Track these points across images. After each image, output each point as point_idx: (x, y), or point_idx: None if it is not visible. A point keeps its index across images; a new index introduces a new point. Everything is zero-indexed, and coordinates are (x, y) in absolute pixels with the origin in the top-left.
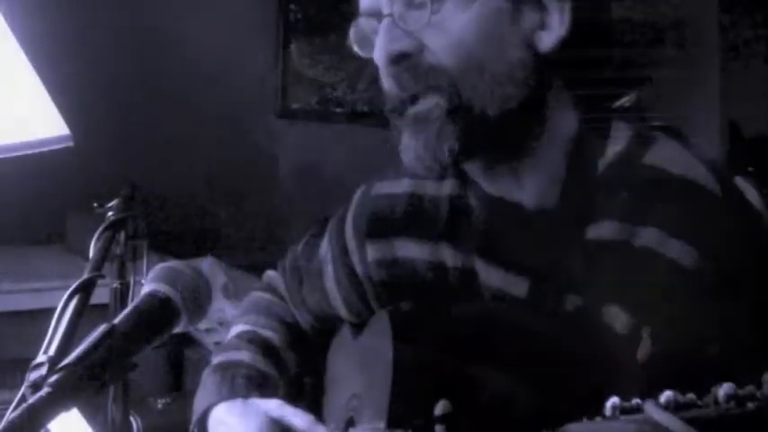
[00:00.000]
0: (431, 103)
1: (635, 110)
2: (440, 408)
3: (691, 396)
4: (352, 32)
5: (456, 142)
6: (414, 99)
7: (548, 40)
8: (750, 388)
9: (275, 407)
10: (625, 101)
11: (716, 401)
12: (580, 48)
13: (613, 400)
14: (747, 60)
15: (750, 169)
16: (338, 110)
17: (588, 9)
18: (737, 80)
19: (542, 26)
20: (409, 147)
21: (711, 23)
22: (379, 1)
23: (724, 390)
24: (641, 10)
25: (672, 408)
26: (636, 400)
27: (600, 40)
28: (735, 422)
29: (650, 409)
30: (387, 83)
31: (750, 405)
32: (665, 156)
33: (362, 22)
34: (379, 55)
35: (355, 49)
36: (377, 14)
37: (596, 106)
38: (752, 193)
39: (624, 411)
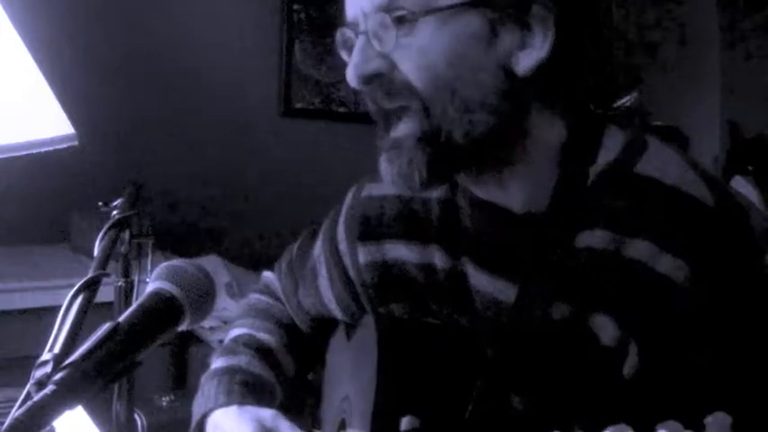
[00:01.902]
0: (405, 130)
1: (636, 110)
2: (405, 423)
3: None
4: (338, 37)
5: (424, 169)
6: (397, 114)
7: (526, 61)
8: None
9: (270, 417)
10: (626, 101)
11: None
12: (565, 66)
13: None
14: (747, 60)
15: (750, 168)
16: (341, 109)
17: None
18: (738, 80)
19: (522, 46)
20: (386, 171)
21: (711, 24)
22: (358, 16)
23: None
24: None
25: None
26: None
27: (589, 51)
28: None
29: None
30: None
31: None
32: (658, 165)
33: (347, 30)
34: (350, 74)
35: (341, 54)
36: (356, 27)
37: (582, 113)
38: (751, 193)
39: None
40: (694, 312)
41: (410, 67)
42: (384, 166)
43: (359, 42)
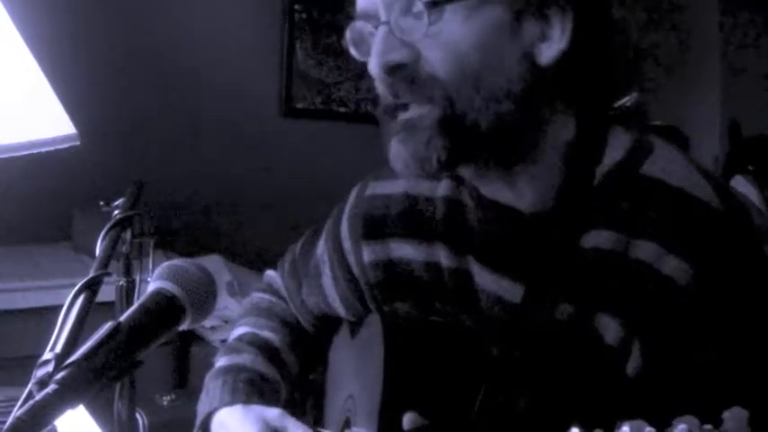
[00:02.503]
0: (422, 111)
1: (636, 110)
2: (408, 422)
3: (650, 430)
4: (347, 34)
5: (444, 152)
6: (406, 105)
7: (548, 52)
8: (707, 427)
9: (276, 416)
10: (626, 100)
11: None
12: (585, 59)
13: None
14: (747, 60)
15: (750, 168)
16: (342, 109)
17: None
18: (738, 80)
19: (543, 38)
20: (398, 153)
21: (712, 24)
22: (377, 5)
23: (679, 429)
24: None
25: None
26: (597, 430)
27: (603, 47)
28: None
29: None
30: (380, 88)
31: None
32: (664, 166)
33: (359, 25)
34: (374, 64)
35: (351, 51)
36: (373, 19)
37: (595, 111)
38: (752, 192)
39: None
40: (698, 313)
41: (437, 57)
42: (396, 148)
43: (380, 32)
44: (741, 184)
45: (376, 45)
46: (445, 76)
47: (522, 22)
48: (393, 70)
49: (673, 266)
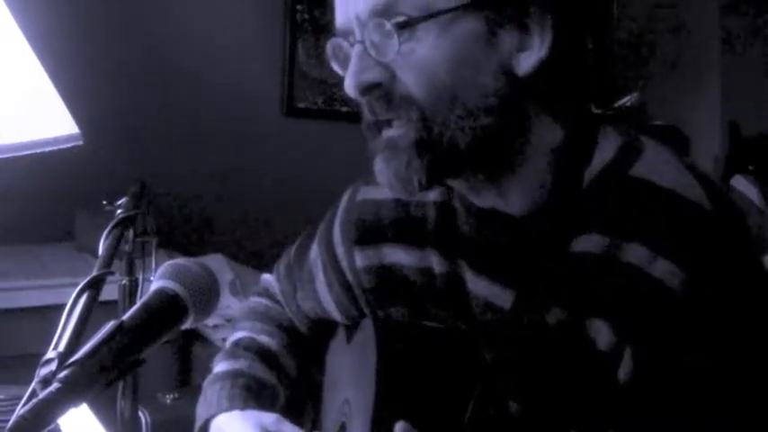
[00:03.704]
0: (401, 131)
1: (636, 110)
2: (399, 429)
3: None
4: (329, 49)
5: (424, 174)
6: (389, 121)
7: (527, 62)
8: None
9: (273, 421)
10: (627, 100)
11: None
12: (565, 67)
13: None
14: (747, 60)
15: (750, 168)
16: (344, 109)
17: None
18: (738, 80)
19: (522, 48)
20: (382, 172)
21: (712, 24)
22: (352, 23)
23: None
24: (642, 12)
25: None
26: None
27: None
28: None
29: None
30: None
31: None
32: (654, 167)
33: (338, 41)
34: (349, 83)
35: (333, 65)
36: (350, 35)
37: (581, 115)
38: (752, 192)
39: None
40: (689, 317)
41: (411, 77)
42: (380, 167)
43: (355, 51)
44: (741, 184)
45: (351, 64)
46: (419, 96)
47: (498, 33)
48: (368, 90)
49: (662, 269)
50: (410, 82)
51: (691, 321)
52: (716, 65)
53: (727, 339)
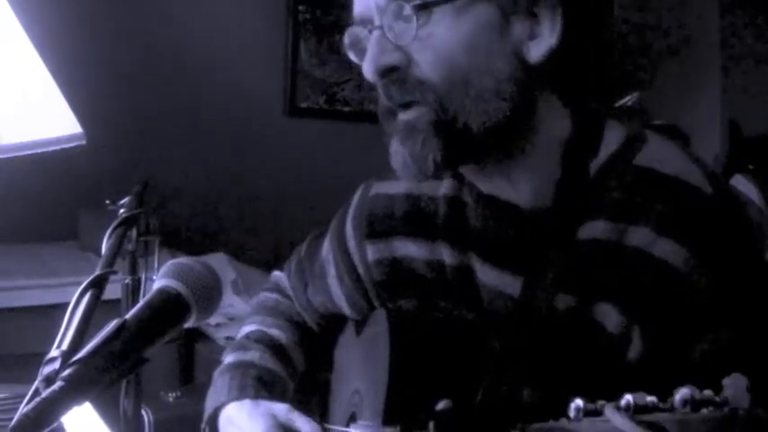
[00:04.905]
0: (418, 113)
1: (636, 109)
2: (441, 404)
3: (651, 399)
4: (346, 39)
5: (439, 153)
6: (407, 105)
7: (537, 50)
8: (708, 392)
9: (283, 411)
10: (627, 100)
11: (672, 406)
12: (574, 56)
13: (577, 403)
14: (747, 60)
15: (751, 167)
16: (346, 109)
17: (585, 18)
18: (738, 80)
19: (532, 36)
20: (398, 153)
21: (712, 24)
22: (371, 10)
23: (681, 395)
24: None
25: (631, 410)
26: (600, 402)
27: (595, 46)
28: (692, 426)
29: (609, 412)
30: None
31: (705, 410)
32: (658, 156)
33: (356, 29)
34: (367, 68)
35: (350, 55)
36: (368, 23)
37: (589, 106)
38: (752, 191)
39: (587, 413)
40: (694, 296)
41: (427, 60)
42: (396, 148)
43: (374, 36)
44: (741, 184)
45: (370, 49)
46: (435, 79)
47: (510, 20)
48: (386, 73)
49: (666, 249)
50: (426, 66)
51: (696, 299)
52: (716, 64)
53: (733, 316)
